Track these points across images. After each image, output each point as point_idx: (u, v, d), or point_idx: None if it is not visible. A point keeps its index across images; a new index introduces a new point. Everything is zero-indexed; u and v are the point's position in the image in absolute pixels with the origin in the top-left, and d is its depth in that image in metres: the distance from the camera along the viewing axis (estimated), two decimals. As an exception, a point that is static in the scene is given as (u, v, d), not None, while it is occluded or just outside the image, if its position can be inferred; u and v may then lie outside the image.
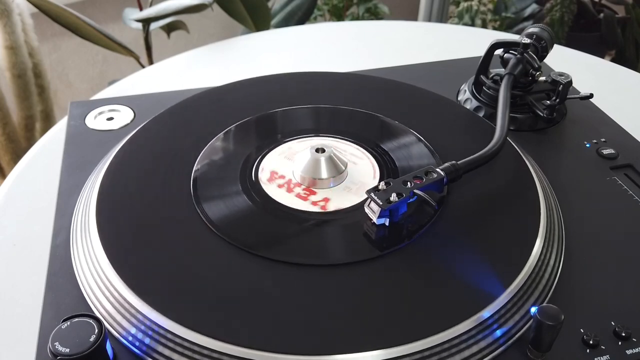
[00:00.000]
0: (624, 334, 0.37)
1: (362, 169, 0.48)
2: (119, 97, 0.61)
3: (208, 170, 0.47)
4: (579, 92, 0.60)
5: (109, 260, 0.39)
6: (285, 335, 0.35)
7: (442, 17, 1.52)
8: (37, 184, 0.54)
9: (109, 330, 0.37)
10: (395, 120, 0.54)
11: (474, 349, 0.35)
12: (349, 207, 0.44)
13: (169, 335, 0.35)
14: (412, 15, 1.73)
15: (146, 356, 0.35)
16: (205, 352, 0.34)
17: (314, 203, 0.45)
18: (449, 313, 0.36)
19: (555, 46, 0.60)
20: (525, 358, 0.36)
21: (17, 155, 1.00)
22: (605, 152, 0.53)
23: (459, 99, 0.61)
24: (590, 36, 1.68)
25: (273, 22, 1.18)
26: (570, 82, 0.56)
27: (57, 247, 0.43)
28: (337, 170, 0.47)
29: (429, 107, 0.57)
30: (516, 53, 0.57)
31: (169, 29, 1.12)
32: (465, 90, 0.61)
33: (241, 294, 0.37)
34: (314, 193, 0.46)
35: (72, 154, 0.53)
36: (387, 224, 0.42)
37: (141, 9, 1.14)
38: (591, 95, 0.59)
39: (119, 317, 0.37)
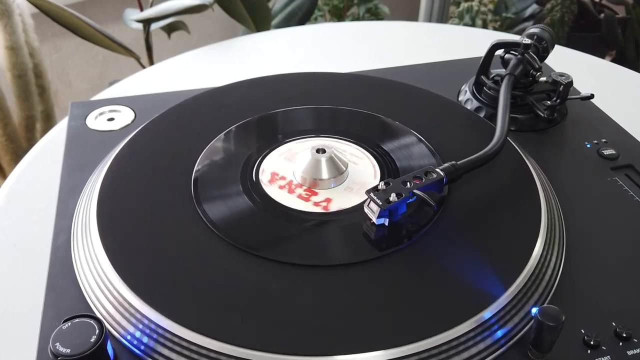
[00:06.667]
0: (624, 335, 0.37)
1: (363, 170, 0.48)
2: (120, 98, 0.61)
3: (209, 170, 0.47)
4: (580, 93, 0.60)
5: (110, 261, 0.39)
6: (285, 335, 0.35)
7: (442, 17, 1.52)
8: (38, 184, 0.54)
9: (109, 331, 0.37)
10: (396, 120, 0.54)
11: (475, 349, 0.35)
12: (349, 208, 0.44)
13: (170, 336, 0.35)
14: (412, 16, 1.73)
15: (147, 357, 0.35)
16: (206, 352, 0.34)
17: (316, 204, 0.45)
18: (449, 314, 0.36)
19: (556, 46, 0.60)
20: (526, 359, 0.36)
21: (17, 155, 1.00)
22: (606, 152, 0.53)
23: (459, 99, 0.61)
24: (591, 36, 1.68)
25: (273, 22, 1.18)
26: (571, 83, 0.56)
27: (58, 248, 0.43)
28: (338, 170, 0.47)
29: (429, 108, 0.57)
30: (517, 53, 0.57)
31: (169, 29, 1.12)
32: (466, 91, 0.61)
33: (241, 294, 0.37)
34: (315, 194, 0.46)
35: (73, 155, 0.53)
36: (386, 224, 0.42)
37: (142, 9, 1.14)
38: (592, 96, 0.59)
39: (119, 318, 0.37)
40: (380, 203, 0.41)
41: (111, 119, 0.57)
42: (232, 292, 0.37)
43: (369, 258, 0.40)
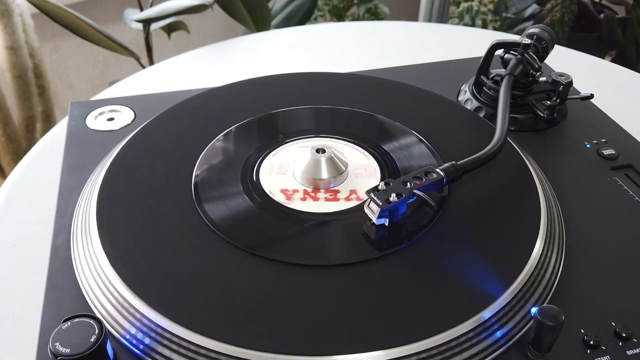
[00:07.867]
0: (624, 335, 0.37)
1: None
2: (120, 98, 0.61)
3: (209, 170, 0.47)
4: (580, 93, 0.60)
5: (110, 261, 0.39)
6: (285, 335, 0.35)
7: (442, 17, 1.52)
8: (38, 184, 0.54)
9: (109, 331, 0.37)
10: (396, 120, 0.54)
11: (475, 349, 0.35)
12: (349, 208, 0.44)
13: (169, 336, 0.35)
14: (412, 16, 1.73)
15: (146, 356, 0.35)
16: (205, 352, 0.34)
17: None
18: (449, 314, 0.36)
19: (556, 46, 0.60)
20: (526, 359, 0.36)
21: (17, 155, 1.00)
22: (606, 152, 0.53)
23: (459, 99, 0.61)
24: (591, 36, 1.68)
25: (273, 22, 1.18)
26: (571, 83, 0.56)
27: (58, 248, 0.43)
28: (338, 170, 0.47)
29: (429, 108, 0.57)
30: (517, 53, 0.57)
31: (169, 29, 1.12)
32: (466, 91, 0.61)
33: (241, 294, 0.37)
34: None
35: (73, 155, 0.53)
36: (386, 224, 0.42)
37: (142, 9, 1.14)
38: (592, 96, 0.59)
39: (119, 318, 0.37)
40: (380, 203, 0.41)
41: (111, 119, 0.57)
42: (231, 292, 0.37)
43: (368, 258, 0.40)
